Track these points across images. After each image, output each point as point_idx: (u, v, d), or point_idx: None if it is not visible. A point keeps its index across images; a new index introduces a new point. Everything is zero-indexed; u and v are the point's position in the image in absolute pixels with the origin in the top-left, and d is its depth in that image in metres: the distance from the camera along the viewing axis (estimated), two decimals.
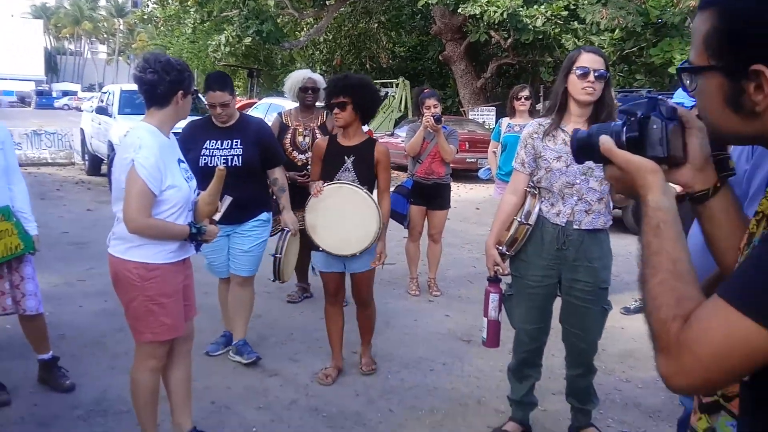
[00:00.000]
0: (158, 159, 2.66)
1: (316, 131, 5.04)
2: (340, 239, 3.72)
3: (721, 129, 1.10)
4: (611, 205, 3.11)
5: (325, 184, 3.71)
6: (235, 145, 3.98)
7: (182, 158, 2.93)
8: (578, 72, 2.88)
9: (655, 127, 1.15)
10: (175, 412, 3.07)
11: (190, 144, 3.93)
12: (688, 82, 1.12)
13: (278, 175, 4.21)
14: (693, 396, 1.76)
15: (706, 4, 1.07)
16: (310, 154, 4.95)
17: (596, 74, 2.87)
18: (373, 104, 3.91)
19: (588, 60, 2.90)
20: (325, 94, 3.87)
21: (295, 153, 5.02)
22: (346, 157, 3.79)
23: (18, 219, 3.48)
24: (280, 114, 5.28)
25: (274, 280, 4.27)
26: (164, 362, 2.93)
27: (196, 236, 2.83)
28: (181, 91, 2.78)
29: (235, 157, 3.96)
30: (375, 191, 3.89)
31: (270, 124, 4.90)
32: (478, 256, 7.20)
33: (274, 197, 4.30)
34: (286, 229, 4.18)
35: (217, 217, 3.01)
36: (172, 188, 2.73)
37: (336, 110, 3.71)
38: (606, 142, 1.18)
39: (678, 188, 1.21)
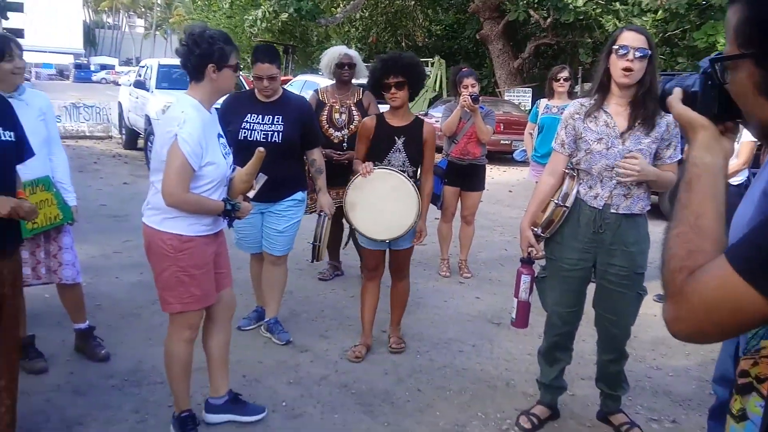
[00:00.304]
0: (201, 135, 2.67)
1: (353, 108, 5.02)
2: (375, 224, 3.72)
3: (758, 119, 1.10)
4: (650, 189, 3.04)
5: (377, 165, 3.69)
6: (276, 121, 3.95)
7: (221, 133, 2.93)
8: (619, 52, 2.81)
9: (709, 82, 1.15)
10: (213, 376, 3.14)
11: (230, 116, 3.93)
12: (722, 74, 1.13)
13: (316, 156, 4.19)
14: (727, 383, 1.74)
15: None
16: (346, 131, 4.95)
17: (637, 53, 2.78)
18: (421, 84, 3.87)
19: (629, 38, 2.81)
20: (376, 72, 3.74)
21: (331, 130, 4.99)
22: (396, 138, 3.77)
23: (57, 189, 3.53)
24: (316, 91, 5.26)
25: (312, 262, 4.28)
26: (196, 334, 2.97)
27: (230, 212, 2.85)
28: (211, 65, 2.72)
29: (276, 134, 3.93)
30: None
31: None
32: (510, 239, 7.15)
33: (310, 177, 4.30)
34: (323, 213, 4.17)
35: (251, 194, 3.02)
36: (211, 165, 2.74)
37: (393, 90, 3.67)
38: (674, 94, 1.22)
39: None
